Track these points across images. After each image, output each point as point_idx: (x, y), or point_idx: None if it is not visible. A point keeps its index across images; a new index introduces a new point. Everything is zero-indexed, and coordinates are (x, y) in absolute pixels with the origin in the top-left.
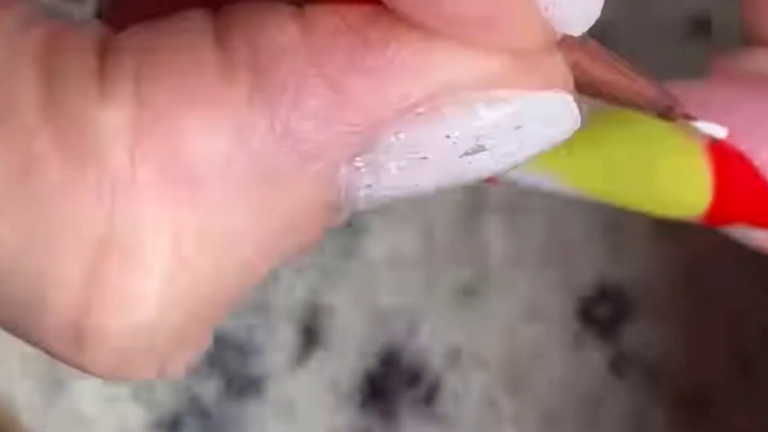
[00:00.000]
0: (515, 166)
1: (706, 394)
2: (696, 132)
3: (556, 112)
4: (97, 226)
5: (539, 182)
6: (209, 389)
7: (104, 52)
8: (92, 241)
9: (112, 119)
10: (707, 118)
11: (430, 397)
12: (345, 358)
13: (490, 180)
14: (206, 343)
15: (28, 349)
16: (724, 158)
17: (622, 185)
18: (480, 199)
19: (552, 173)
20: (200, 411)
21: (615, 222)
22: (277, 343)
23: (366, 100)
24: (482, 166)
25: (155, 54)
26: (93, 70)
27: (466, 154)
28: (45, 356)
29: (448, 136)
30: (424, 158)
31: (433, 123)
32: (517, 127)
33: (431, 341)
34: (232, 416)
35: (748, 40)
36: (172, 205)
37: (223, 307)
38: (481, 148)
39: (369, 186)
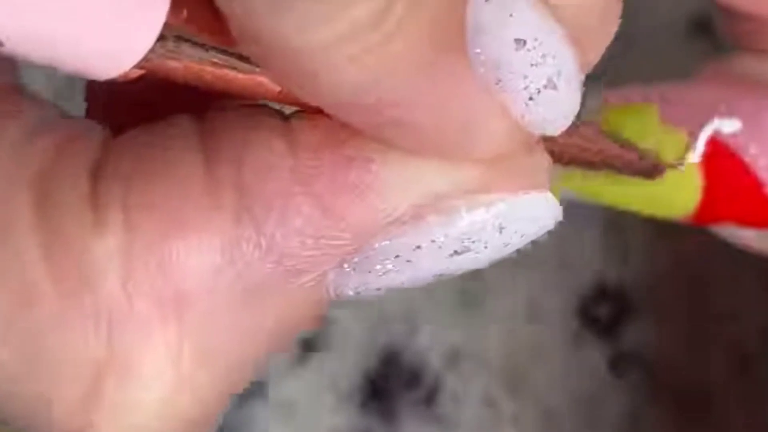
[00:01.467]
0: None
1: (706, 393)
2: (688, 154)
3: (538, 210)
4: (95, 351)
5: None
6: None
7: (96, 178)
8: (91, 365)
9: (105, 247)
10: (697, 116)
11: (430, 397)
12: (345, 358)
13: None
14: None
15: None
16: (715, 155)
17: (610, 184)
18: None
19: None
20: None
21: (615, 222)
22: None
23: (352, 216)
24: (468, 263)
25: (143, 177)
26: (86, 197)
27: (452, 254)
28: None
29: (433, 241)
30: (410, 261)
31: (418, 230)
32: (501, 228)
33: (431, 341)
34: (233, 416)
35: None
36: (167, 325)
37: (221, 407)
38: (466, 249)
39: (356, 286)
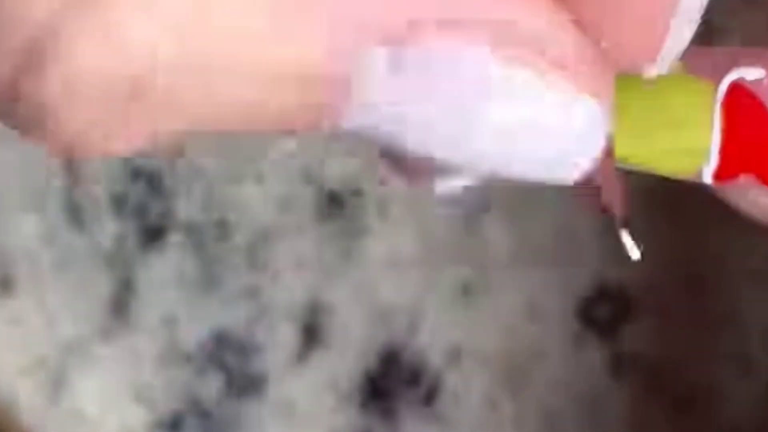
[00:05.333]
0: None
1: (706, 394)
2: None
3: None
4: None
5: None
6: (209, 389)
7: None
8: None
9: None
10: (722, 68)
11: (430, 397)
12: (345, 358)
13: None
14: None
15: (30, 349)
16: (734, 97)
17: (626, 125)
18: (480, 199)
19: None
20: (200, 411)
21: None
22: (277, 343)
23: None
24: None
25: None
26: None
27: None
28: (46, 356)
29: None
30: None
31: None
32: None
33: (431, 340)
34: (232, 416)
35: None
36: None
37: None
38: None
39: None
